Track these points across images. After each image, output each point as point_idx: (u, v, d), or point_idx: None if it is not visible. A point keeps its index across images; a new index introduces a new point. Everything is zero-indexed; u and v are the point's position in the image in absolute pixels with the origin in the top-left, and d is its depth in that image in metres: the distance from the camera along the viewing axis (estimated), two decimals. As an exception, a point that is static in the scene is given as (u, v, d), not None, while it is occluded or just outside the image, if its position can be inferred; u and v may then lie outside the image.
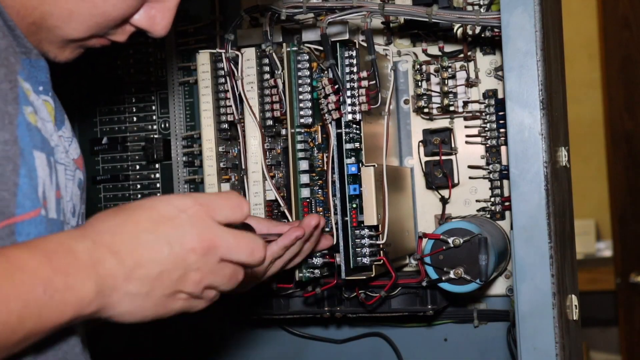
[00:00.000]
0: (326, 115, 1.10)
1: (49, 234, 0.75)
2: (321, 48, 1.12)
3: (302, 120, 1.11)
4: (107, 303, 0.71)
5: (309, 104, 1.11)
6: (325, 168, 1.11)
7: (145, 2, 0.84)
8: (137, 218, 0.73)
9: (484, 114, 1.23)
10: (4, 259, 0.66)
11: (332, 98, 1.08)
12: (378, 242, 1.09)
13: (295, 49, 1.12)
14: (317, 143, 1.13)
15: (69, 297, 0.68)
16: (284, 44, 1.12)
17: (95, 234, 0.71)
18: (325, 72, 1.10)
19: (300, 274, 1.11)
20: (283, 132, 1.13)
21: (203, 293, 0.77)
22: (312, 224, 1.01)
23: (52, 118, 0.82)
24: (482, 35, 1.21)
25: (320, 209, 1.12)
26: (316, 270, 1.11)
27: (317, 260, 1.11)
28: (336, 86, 1.08)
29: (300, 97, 1.11)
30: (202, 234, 0.75)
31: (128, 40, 0.87)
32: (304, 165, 1.11)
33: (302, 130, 1.12)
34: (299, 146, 1.11)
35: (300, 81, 1.11)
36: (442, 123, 1.27)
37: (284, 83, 1.11)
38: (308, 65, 1.11)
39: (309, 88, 1.11)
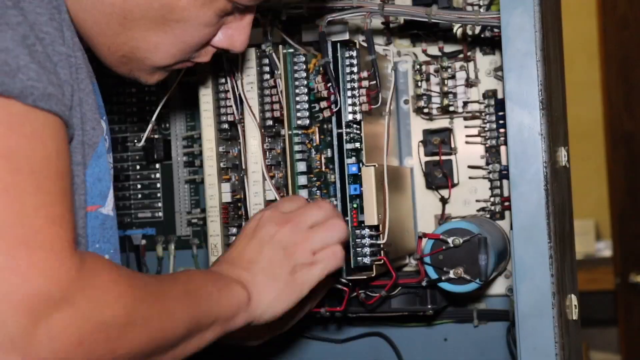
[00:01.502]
0: (319, 113, 1.09)
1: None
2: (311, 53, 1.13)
3: (299, 122, 1.11)
4: (254, 303, 0.92)
5: (306, 106, 1.11)
6: (324, 169, 1.12)
7: (222, 25, 0.92)
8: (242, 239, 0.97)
9: (483, 114, 1.24)
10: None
11: (324, 94, 1.08)
12: (378, 241, 1.09)
13: (291, 50, 1.12)
14: (314, 144, 1.13)
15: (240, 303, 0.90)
16: (280, 46, 1.12)
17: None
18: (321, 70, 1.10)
19: None
20: (283, 132, 1.13)
21: (316, 256, 0.95)
22: None
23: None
24: (482, 36, 1.21)
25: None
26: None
27: None
28: (329, 84, 1.08)
29: (297, 98, 1.11)
30: (277, 220, 0.96)
31: (211, 59, 0.97)
32: (301, 167, 1.11)
33: (300, 132, 1.12)
34: (297, 147, 1.11)
35: (297, 82, 1.11)
36: (442, 123, 1.27)
37: (277, 85, 1.11)
38: (304, 66, 1.11)
39: (306, 90, 1.11)
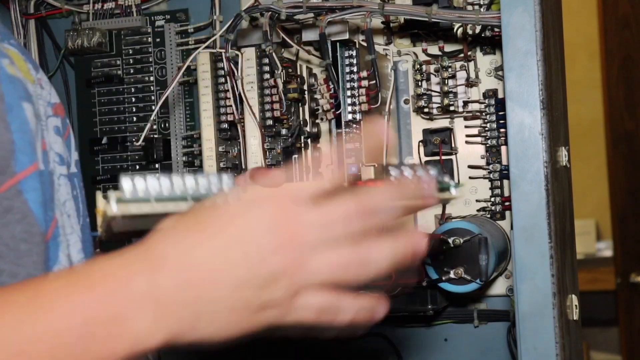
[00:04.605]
0: (320, 115, 1.08)
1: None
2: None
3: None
4: (178, 334, 0.60)
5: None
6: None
7: None
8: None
9: (484, 113, 1.23)
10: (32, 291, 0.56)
11: (327, 98, 1.08)
12: (378, 242, 1.08)
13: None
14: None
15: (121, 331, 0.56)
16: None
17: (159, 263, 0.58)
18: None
19: None
20: (283, 132, 1.13)
21: (296, 300, 0.61)
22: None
23: (24, 65, 0.76)
24: (482, 35, 1.21)
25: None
26: None
27: None
28: (332, 86, 1.07)
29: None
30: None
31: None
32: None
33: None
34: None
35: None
36: (442, 123, 1.26)
37: (277, 85, 1.09)
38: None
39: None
